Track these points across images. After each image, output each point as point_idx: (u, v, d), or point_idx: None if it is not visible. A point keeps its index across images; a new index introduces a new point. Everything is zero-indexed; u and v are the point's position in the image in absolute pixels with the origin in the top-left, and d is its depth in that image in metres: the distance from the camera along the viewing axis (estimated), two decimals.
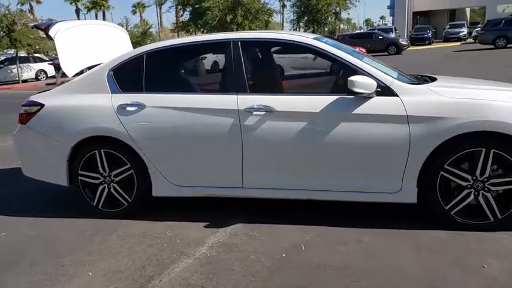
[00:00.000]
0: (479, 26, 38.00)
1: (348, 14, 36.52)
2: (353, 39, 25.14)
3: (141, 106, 3.24)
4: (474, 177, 2.80)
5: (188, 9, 15.60)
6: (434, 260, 2.55)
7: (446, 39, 34.90)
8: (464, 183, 2.83)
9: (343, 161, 2.98)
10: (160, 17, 54.12)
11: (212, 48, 3.37)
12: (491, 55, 18.17)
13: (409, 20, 41.08)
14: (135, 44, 36.29)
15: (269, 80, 3.33)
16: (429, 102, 2.81)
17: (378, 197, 3.01)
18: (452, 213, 2.88)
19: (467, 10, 45.16)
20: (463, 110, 2.73)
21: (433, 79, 3.25)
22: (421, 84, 3.02)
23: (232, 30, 14.88)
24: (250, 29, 15.28)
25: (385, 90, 2.88)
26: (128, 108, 3.27)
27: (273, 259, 2.68)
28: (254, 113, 3.02)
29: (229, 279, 2.48)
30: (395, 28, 35.31)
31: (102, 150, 3.37)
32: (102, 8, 56.94)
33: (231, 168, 3.16)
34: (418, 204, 2.96)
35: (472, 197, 2.84)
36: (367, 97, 2.87)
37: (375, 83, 2.83)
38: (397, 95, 2.86)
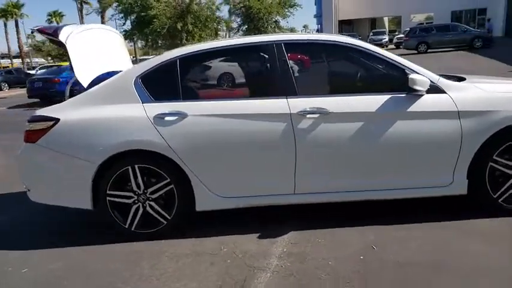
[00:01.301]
0: (397, 33, 41.40)
1: (287, 22, 37.59)
2: None
3: (182, 115, 3.01)
4: None
5: (131, 18, 14.98)
6: (502, 249, 2.66)
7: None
8: (511, 172, 2.99)
9: (399, 159, 3.01)
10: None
11: (253, 51, 3.23)
12: (416, 59, 19.69)
13: (335, 28, 43.41)
14: (60, 57, 34.10)
15: (317, 81, 3.27)
16: (477, 98, 2.95)
17: (429, 192, 3.08)
18: (500, 200, 3.03)
19: (386, 19, 48.74)
20: (509, 103, 2.90)
21: (463, 78, 3.40)
22: (461, 81, 3.16)
23: (182, 39, 14.58)
24: (200, 37, 15.05)
25: (433, 88, 2.96)
26: (167, 118, 3.02)
27: (354, 262, 2.62)
28: (308, 116, 2.94)
29: None
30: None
31: (136, 166, 3.06)
32: (14, 16, 52.32)
33: (283, 174, 3.05)
34: (467, 195, 3.07)
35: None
36: (419, 95, 2.94)
37: (429, 81, 2.91)
38: (445, 92, 2.96)
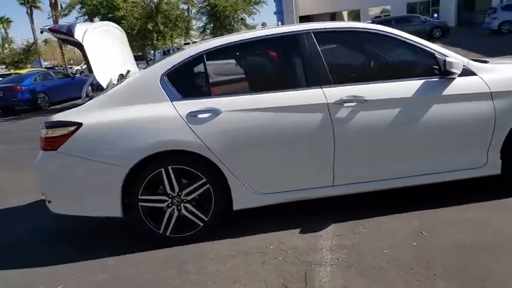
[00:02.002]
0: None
1: (253, 19, 37.69)
2: None
3: (215, 112, 2.89)
4: None
5: (97, 20, 14.37)
6: None
7: None
8: None
9: (436, 143, 3.03)
10: None
11: (282, 42, 3.13)
12: None
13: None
14: (15, 64, 32.29)
15: (350, 69, 3.23)
16: (507, 78, 3.01)
17: (465, 173, 3.11)
18: None
19: (345, 13, 49.71)
20: None
21: (486, 61, 3.44)
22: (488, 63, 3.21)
23: (153, 39, 14.15)
24: (171, 37, 14.69)
25: (464, 71, 2.99)
26: (200, 116, 2.88)
27: (409, 249, 2.60)
28: (345, 104, 2.90)
29: (394, 277, 2.33)
30: None
31: (169, 167, 2.91)
32: None
33: (321, 166, 2.99)
34: (501, 175, 3.12)
35: None
36: (452, 78, 2.96)
37: (462, 63, 2.94)
38: (475, 74, 3.00)
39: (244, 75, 3.25)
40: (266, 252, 2.78)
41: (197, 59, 3.03)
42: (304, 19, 46.05)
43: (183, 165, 2.93)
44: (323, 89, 2.94)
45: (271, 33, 3.14)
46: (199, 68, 3.04)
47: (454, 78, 2.97)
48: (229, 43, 3.10)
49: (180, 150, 2.90)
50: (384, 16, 38.50)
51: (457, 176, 3.13)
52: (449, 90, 2.96)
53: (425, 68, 3.04)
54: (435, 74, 3.00)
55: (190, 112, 2.89)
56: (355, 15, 48.04)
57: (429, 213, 3.03)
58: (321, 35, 3.06)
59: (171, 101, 2.95)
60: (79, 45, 3.07)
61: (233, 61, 3.21)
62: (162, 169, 2.91)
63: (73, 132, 2.90)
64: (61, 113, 3.06)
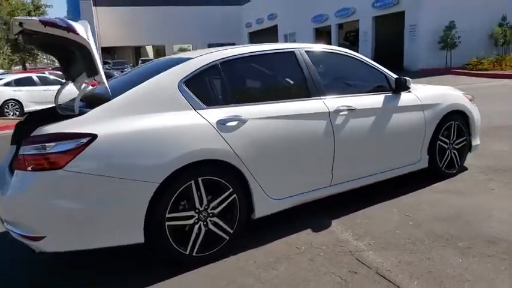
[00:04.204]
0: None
1: None
2: None
3: (241, 120, 2.90)
4: (451, 142, 4.21)
5: None
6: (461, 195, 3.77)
7: None
8: (446, 146, 4.19)
9: (395, 144, 3.77)
10: None
11: (283, 57, 3.36)
12: None
13: (100, 55, 41.96)
14: None
15: (336, 84, 3.64)
16: (428, 95, 4.03)
17: (407, 169, 3.95)
18: (443, 168, 4.19)
19: (149, 48, 50.39)
20: (445, 98, 4.10)
21: None
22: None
23: None
24: None
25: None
26: (229, 124, 2.85)
27: (411, 227, 3.18)
28: (341, 113, 3.36)
29: (425, 247, 2.84)
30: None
31: (199, 179, 2.74)
32: None
33: (324, 168, 3.34)
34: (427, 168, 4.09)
35: (448, 154, 4.22)
36: (399, 93, 3.80)
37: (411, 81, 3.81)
38: (410, 91, 3.92)
39: (256, 85, 3.34)
40: (303, 252, 2.90)
41: (213, 67, 2.99)
42: (106, 50, 44.64)
43: (213, 176, 2.80)
44: (323, 99, 3.32)
45: (273, 48, 3.37)
46: (217, 75, 3.00)
47: (400, 93, 3.81)
48: (244, 53, 3.17)
49: (209, 160, 2.77)
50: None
51: (403, 171, 3.93)
52: (400, 103, 3.77)
53: (382, 85, 3.79)
54: (388, 90, 3.78)
55: (220, 120, 2.82)
56: (161, 50, 49.32)
57: (396, 201, 3.71)
58: (311, 53, 3.46)
59: (195, 110, 2.81)
60: (76, 46, 2.58)
61: (249, 70, 3.28)
62: (192, 181, 2.71)
63: (86, 145, 2.43)
64: (55, 125, 2.49)
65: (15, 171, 2.47)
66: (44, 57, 41.31)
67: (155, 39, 44.64)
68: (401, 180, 4.00)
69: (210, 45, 42.37)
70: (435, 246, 2.85)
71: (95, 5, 44.99)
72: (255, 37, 40.70)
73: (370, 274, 2.57)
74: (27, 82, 13.69)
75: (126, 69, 34.37)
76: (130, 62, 40.89)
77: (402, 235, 3.06)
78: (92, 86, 3.28)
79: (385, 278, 2.50)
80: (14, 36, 2.99)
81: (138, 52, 48.56)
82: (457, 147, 4.26)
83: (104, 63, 38.09)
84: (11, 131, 3.34)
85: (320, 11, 28.20)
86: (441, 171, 4.19)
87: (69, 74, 3.44)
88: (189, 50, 45.67)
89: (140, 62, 39.64)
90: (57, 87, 14.00)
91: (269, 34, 35.88)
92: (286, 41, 34.45)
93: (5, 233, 2.73)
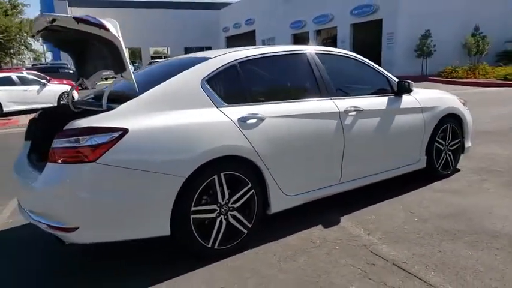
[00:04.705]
0: (137, 64, 43.44)
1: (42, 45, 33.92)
2: (42, 72, 23.08)
3: (260, 118, 2.99)
4: (447, 143, 4.43)
5: None
6: (460, 192, 3.98)
7: None
8: (442, 147, 4.40)
9: (399, 144, 3.93)
10: None
11: (295, 58, 3.47)
12: None
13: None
14: None
15: (343, 85, 3.76)
16: (426, 98, 4.22)
17: (408, 168, 4.12)
18: (439, 169, 4.39)
19: (125, 50, 49.63)
20: (442, 102, 4.31)
21: None
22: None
23: None
24: None
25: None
26: (249, 122, 2.93)
27: (417, 223, 3.33)
28: (350, 113, 3.49)
29: (435, 240, 3.00)
30: (66, 64, 34.63)
31: (222, 174, 2.81)
32: None
33: (333, 166, 3.46)
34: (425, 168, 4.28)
35: (443, 155, 4.44)
36: (400, 96, 3.97)
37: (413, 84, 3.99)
38: (410, 94, 4.11)
39: (272, 84, 3.43)
40: (319, 246, 3.01)
41: (232, 66, 3.06)
42: None
43: (234, 171, 2.87)
44: (333, 100, 3.45)
45: (290, 49, 3.49)
46: (235, 75, 3.07)
47: (402, 96, 3.99)
48: (260, 54, 3.27)
49: (231, 156, 2.84)
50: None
51: (405, 171, 4.10)
52: (402, 105, 3.94)
53: (385, 88, 3.96)
54: (391, 93, 3.95)
55: (241, 118, 2.90)
56: (136, 52, 48.78)
57: (399, 199, 3.87)
58: (322, 55, 3.59)
59: (218, 107, 2.88)
60: (105, 42, 2.61)
61: (264, 70, 3.37)
62: (215, 176, 2.78)
63: (118, 139, 2.46)
64: (86, 119, 2.51)
65: (47, 164, 2.48)
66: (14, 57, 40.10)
67: (131, 42, 44.13)
68: (400, 180, 4.16)
69: (187, 49, 42.45)
70: (444, 240, 3.01)
71: (70, 5, 44.15)
72: (232, 41, 40.86)
73: (387, 266, 2.69)
74: (6, 82, 13.29)
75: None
76: None
77: (411, 230, 3.21)
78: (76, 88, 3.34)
79: (402, 269, 2.63)
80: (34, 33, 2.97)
81: None
82: (451, 148, 4.48)
83: None
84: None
85: (298, 17, 28.66)
86: (437, 172, 4.39)
87: (83, 71, 3.45)
88: (165, 53, 45.45)
89: (148, 63, 39.40)
90: (37, 87, 13.86)
91: (246, 39, 36.11)
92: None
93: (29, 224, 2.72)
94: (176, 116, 2.70)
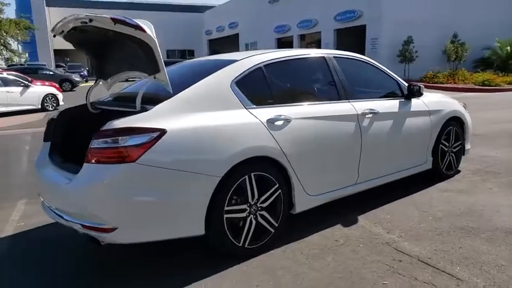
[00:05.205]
0: None
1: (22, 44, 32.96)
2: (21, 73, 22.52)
3: (286, 119, 3.06)
4: (450, 145, 4.60)
5: None
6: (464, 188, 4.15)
7: None
8: (446, 149, 4.57)
9: (408, 146, 4.08)
10: None
11: (315, 61, 3.56)
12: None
13: (52, 57, 40.61)
14: None
15: (359, 88, 3.86)
16: (432, 101, 4.38)
17: (417, 169, 4.26)
18: (443, 169, 4.56)
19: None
20: (446, 105, 4.49)
21: None
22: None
23: None
24: None
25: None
26: (277, 123, 3.00)
27: (432, 221, 3.46)
28: (366, 116, 3.61)
29: (453, 236, 3.13)
30: (45, 64, 33.92)
31: (252, 174, 2.86)
32: None
33: (351, 166, 3.56)
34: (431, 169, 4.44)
35: (447, 157, 4.61)
36: (410, 99, 4.12)
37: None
38: (418, 98, 4.26)
39: (299, 87, 3.53)
40: (343, 244, 3.09)
41: (259, 69, 3.13)
42: (58, 53, 42.90)
43: (262, 172, 2.93)
44: (351, 102, 3.56)
45: (304, 53, 3.58)
46: (261, 77, 3.14)
47: (411, 99, 4.13)
48: (283, 57, 3.36)
49: (261, 156, 2.90)
50: None
51: (414, 171, 4.24)
52: (412, 108, 4.09)
53: (396, 91, 4.10)
54: (401, 96, 4.09)
55: (269, 119, 2.96)
56: None
57: (409, 199, 4.01)
58: (339, 59, 3.69)
59: (246, 108, 2.94)
60: (140, 43, 2.62)
61: (287, 72, 3.45)
62: (246, 176, 2.83)
63: (156, 139, 2.49)
64: (122, 120, 2.53)
65: (84, 164, 2.48)
66: None
67: None
68: (405, 181, 4.30)
69: (169, 52, 42.12)
70: (462, 237, 3.14)
71: (48, 5, 43.28)
72: (215, 45, 40.87)
73: (413, 261, 2.80)
74: None
75: (83, 73, 33.19)
76: (85, 66, 39.47)
77: (428, 228, 3.34)
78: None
79: (429, 265, 2.74)
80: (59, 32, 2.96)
81: None
82: (454, 150, 4.66)
83: (57, 66, 36.66)
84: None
85: (282, 22, 28.93)
86: (442, 173, 4.55)
87: (103, 72, 3.45)
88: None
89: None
90: (19, 88, 13.52)
91: (229, 42, 36.17)
92: (247, 50, 34.97)
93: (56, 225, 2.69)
94: (210, 117, 2.74)
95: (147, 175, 2.46)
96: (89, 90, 3.52)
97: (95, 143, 2.45)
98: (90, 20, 2.56)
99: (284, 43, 29.69)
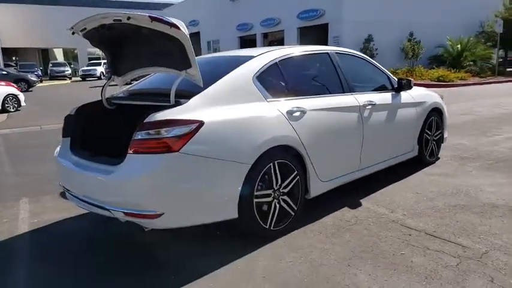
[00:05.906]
0: (72, 65, 41.70)
1: None
2: None
3: (303, 111, 3.32)
4: (432, 134, 5.05)
5: None
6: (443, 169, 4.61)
7: (52, 77, 35.96)
8: (429, 137, 5.02)
9: (399, 135, 4.47)
10: None
11: (321, 57, 3.84)
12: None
13: (1, 56, 38.46)
14: None
15: (357, 81, 4.16)
16: (417, 94, 4.80)
17: (406, 156, 4.67)
18: (427, 155, 5.01)
19: (60, 50, 47.02)
20: (429, 98, 4.93)
21: None
22: None
23: None
24: None
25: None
26: (295, 114, 3.25)
27: (429, 200, 3.85)
28: (367, 107, 3.94)
29: (453, 214, 3.52)
30: None
31: (276, 162, 3.10)
32: None
33: (355, 153, 3.88)
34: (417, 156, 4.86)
35: (430, 144, 5.06)
36: (399, 92, 4.51)
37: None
38: (405, 90, 4.66)
39: (304, 80, 3.78)
40: (356, 224, 3.39)
41: (275, 64, 3.37)
42: (6, 51, 40.76)
43: (285, 160, 3.17)
44: (353, 95, 3.88)
45: (314, 49, 3.85)
46: (277, 71, 3.37)
47: (401, 92, 4.52)
48: (294, 53, 3.63)
49: (282, 145, 3.14)
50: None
51: (404, 158, 4.64)
52: (402, 99, 4.48)
53: (386, 85, 4.47)
54: (391, 89, 4.47)
55: (288, 111, 3.21)
56: (69, 53, 46.50)
57: (402, 183, 4.40)
58: (340, 55, 4.00)
59: (267, 101, 3.16)
60: (172, 40, 2.77)
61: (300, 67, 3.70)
62: (271, 164, 3.06)
63: (196, 130, 2.67)
64: (163, 112, 2.68)
65: (128, 155, 2.61)
66: None
67: (65, 42, 41.87)
68: (394, 168, 4.69)
69: None
70: (456, 213, 3.54)
71: None
72: None
73: (421, 235, 3.14)
74: None
75: (36, 73, 31.82)
76: (37, 65, 37.82)
77: (425, 207, 3.71)
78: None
79: (436, 237, 3.10)
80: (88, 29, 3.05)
81: (45, 54, 45.09)
82: (435, 138, 5.11)
83: (6, 65, 34.85)
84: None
85: (245, 20, 29.17)
86: (426, 159, 4.99)
87: (117, 69, 3.55)
88: (100, 55, 43.75)
89: (51, 65, 37.31)
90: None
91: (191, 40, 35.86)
92: (209, 48, 34.90)
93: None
94: (238, 109, 2.95)
95: (189, 164, 2.64)
96: (103, 86, 3.60)
97: (139, 135, 2.60)
98: (128, 18, 2.69)
99: (247, 41, 29.95)
